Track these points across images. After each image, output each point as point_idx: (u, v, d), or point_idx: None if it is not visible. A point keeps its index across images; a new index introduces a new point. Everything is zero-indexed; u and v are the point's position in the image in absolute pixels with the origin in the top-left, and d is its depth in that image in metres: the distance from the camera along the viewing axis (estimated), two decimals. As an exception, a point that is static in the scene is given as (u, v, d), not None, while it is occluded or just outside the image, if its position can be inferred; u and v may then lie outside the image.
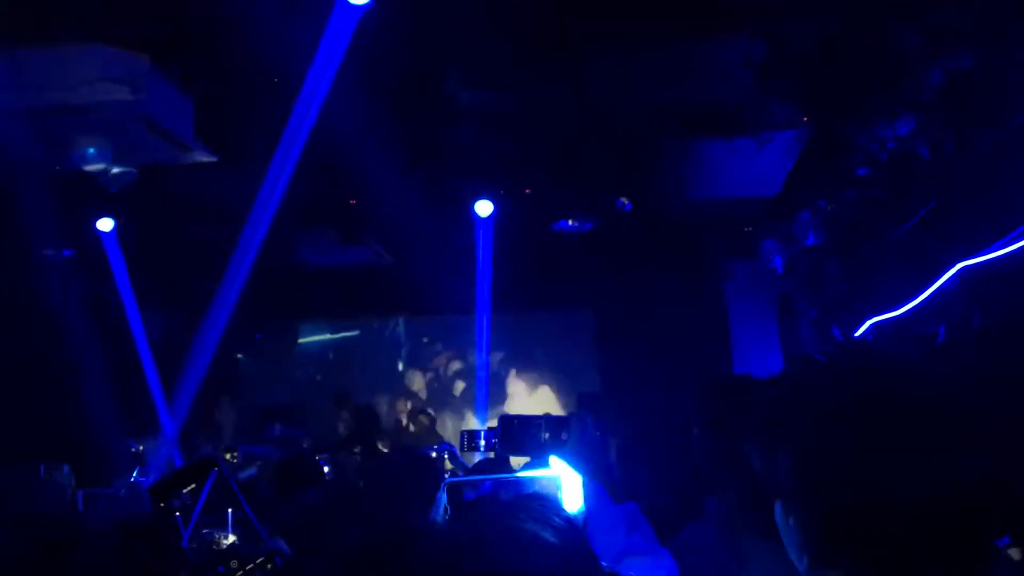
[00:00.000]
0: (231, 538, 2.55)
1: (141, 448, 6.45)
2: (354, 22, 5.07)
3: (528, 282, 8.69)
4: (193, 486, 2.45)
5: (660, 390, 8.54)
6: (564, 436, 2.33)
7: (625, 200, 8.12)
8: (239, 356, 10.61)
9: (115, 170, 5.48)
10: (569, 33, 5.41)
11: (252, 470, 6.28)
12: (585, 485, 2.23)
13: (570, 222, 8.64)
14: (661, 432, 7.51)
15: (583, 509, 2.22)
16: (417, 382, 10.77)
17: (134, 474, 6.22)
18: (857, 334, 7.04)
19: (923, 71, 5.61)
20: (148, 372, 8.42)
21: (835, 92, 6.09)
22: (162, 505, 2.40)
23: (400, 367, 10.86)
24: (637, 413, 8.08)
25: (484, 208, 7.96)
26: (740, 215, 8.51)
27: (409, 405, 10.01)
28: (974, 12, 5.09)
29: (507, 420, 2.45)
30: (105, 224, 7.67)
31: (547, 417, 2.44)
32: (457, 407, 10.52)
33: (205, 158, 5.94)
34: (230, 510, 2.56)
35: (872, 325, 6.71)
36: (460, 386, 10.65)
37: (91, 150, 5.23)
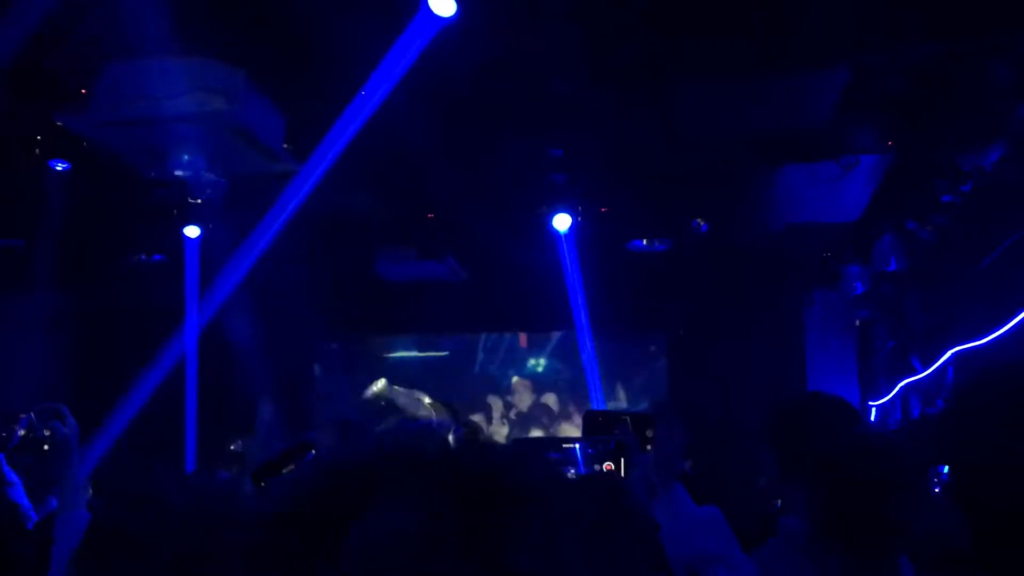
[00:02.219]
0: None
1: (239, 445, 6.60)
2: (432, 34, 5.12)
3: (601, 300, 8.68)
4: (292, 467, 2.52)
5: (731, 413, 8.49)
6: (649, 434, 2.33)
7: (701, 222, 8.09)
8: (315, 366, 10.78)
9: (207, 178, 5.67)
10: (655, 60, 5.44)
11: None
12: (667, 487, 2.25)
13: (644, 242, 8.63)
14: (730, 452, 7.48)
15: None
16: (493, 399, 10.83)
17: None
18: (937, 364, 6.90)
19: (1012, 101, 5.53)
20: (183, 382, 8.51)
21: (922, 119, 6.02)
22: (262, 485, 2.48)
23: (477, 381, 10.92)
24: (707, 432, 8.03)
25: (562, 223, 7.76)
26: (819, 240, 8.41)
27: (480, 416, 10.08)
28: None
29: (592, 415, 2.47)
30: (192, 231, 7.86)
31: (632, 414, 2.45)
32: (527, 422, 10.58)
33: (292, 168, 6.09)
34: None
35: (954, 355, 6.57)
36: (528, 400, 10.70)
37: (185, 158, 5.42)
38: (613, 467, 2.36)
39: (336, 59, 5.30)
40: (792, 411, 2.75)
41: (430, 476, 0.86)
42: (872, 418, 8.27)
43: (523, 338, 10.95)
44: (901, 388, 7.63)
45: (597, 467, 2.37)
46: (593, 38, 5.21)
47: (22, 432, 2.93)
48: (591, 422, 2.44)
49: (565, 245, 7.95)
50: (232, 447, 7.07)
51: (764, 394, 8.81)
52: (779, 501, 4.42)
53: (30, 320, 7.92)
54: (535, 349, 10.92)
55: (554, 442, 2.53)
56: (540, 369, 10.86)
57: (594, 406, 8.36)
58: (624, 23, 5.19)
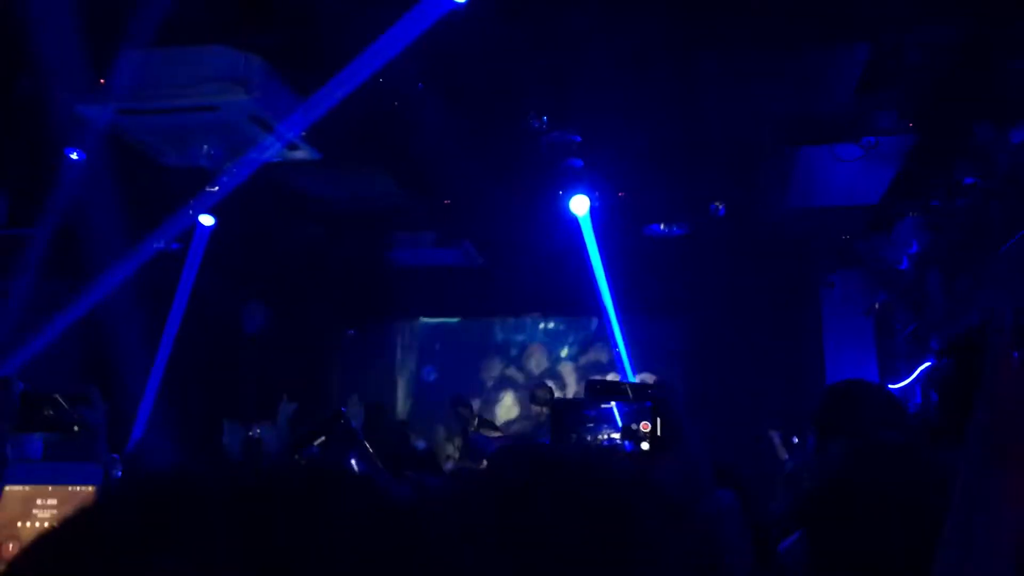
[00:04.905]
0: None
1: (259, 432, 6.61)
2: (444, 13, 5.04)
3: (620, 284, 8.65)
4: (323, 439, 2.65)
5: (749, 394, 8.48)
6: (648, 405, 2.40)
7: (719, 205, 8.03)
8: (335, 353, 10.81)
9: (226, 166, 5.66)
10: (675, 37, 5.38)
11: None
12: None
13: (662, 226, 8.58)
14: (746, 434, 7.47)
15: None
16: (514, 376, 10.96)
17: None
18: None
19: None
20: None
21: (943, 100, 5.96)
22: (296, 456, 2.62)
23: (495, 366, 11.02)
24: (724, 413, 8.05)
25: (580, 206, 7.60)
26: (838, 223, 8.36)
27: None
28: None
29: (592, 384, 2.56)
30: (206, 220, 7.85)
31: (632, 384, 2.54)
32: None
33: (310, 156, 6.07)
34: (354, 460, 2.76)
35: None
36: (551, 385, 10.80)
37: (205, 147, 5.41)
38: (649, 426, 2.44)
39: (350, 43, 5.27)
40: (839, 395, 2.74)
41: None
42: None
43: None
44: (921, 372, 7.58)
45: (635, 426, 2.45)
46: (612, 14, 5.15)
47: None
48: (592, 391, 2.51)
49: (584, 229, 7.85)
50: (251, 433, 7.09)
51: (782, 376, 8.80)
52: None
53: (48, 305, 7.94)
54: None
55: (592, 403, 2.62)
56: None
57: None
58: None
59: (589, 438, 2.43)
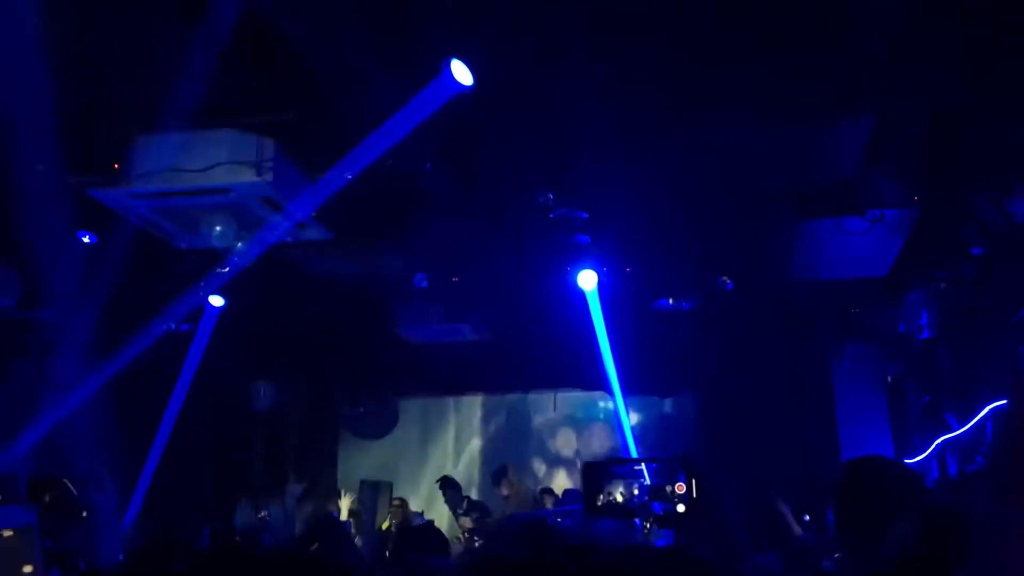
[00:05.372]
0: None
1: (266, 514, 6.57)
2: (452, 95, 5.12)
3: (628, 359, 8.61)
4: (316, 545, 2.65)
5: (761, 469, 8.36)
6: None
7: (726, 279, 8.05)
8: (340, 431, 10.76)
9: (237, 247, 5.71)
10: (679, 108, 5.44)
11: None
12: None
13: (670, 301, 8.57)
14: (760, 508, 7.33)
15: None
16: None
17: None
18: (974, 421, 6.77)
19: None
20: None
21: (948, 171, 6.00)
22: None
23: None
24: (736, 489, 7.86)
25: (588, 282, 7.60)
26: (847, 296, 8.35)
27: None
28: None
29: (612, 462, 2.55)
30: (216, 300, 7.90)
31: (647, 460, 2.51)
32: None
33: (321, 236, 6.12)
34: None
35: (991, 411, 6.45)
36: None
37: (216, 228, 5.46)
38: (684, 487, 2.41)
39: (359, 124, 5.35)
40: (858, 471, 2.72)
41: None
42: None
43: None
44: (937, 446, 7.49)
45: (669, 488, 2.43)
46: (615, 85, 5.21)
47: None
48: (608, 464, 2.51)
49: (591, 304, 7.85)
50: (260, 515, 7.06)
51: (794, 451, 8.70)
52: (825, 561, 4.34)
53: (62, 387, 7.94)
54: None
55: (621, 461, 2.60)
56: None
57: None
58: (648, 71, 5.19)
59: (620, 496, 2.40)
